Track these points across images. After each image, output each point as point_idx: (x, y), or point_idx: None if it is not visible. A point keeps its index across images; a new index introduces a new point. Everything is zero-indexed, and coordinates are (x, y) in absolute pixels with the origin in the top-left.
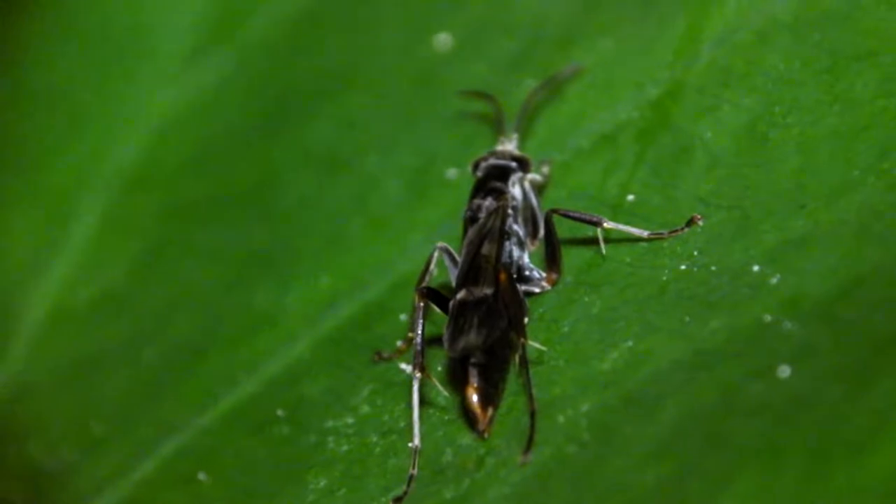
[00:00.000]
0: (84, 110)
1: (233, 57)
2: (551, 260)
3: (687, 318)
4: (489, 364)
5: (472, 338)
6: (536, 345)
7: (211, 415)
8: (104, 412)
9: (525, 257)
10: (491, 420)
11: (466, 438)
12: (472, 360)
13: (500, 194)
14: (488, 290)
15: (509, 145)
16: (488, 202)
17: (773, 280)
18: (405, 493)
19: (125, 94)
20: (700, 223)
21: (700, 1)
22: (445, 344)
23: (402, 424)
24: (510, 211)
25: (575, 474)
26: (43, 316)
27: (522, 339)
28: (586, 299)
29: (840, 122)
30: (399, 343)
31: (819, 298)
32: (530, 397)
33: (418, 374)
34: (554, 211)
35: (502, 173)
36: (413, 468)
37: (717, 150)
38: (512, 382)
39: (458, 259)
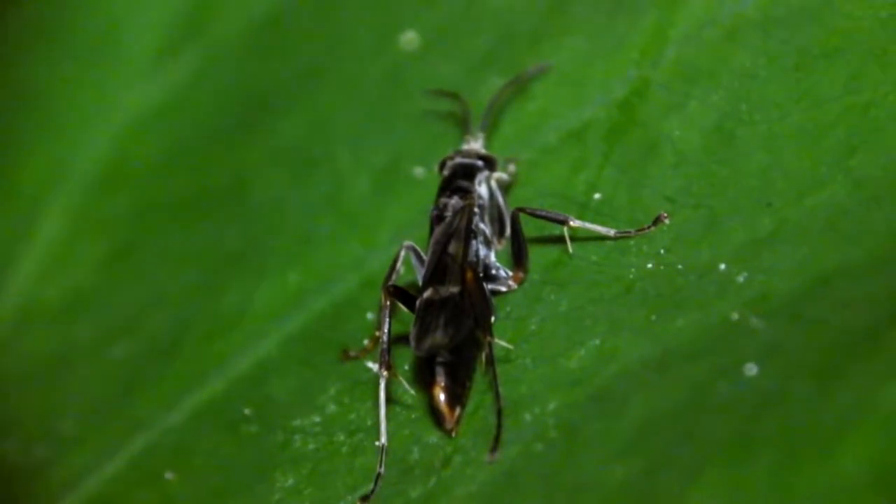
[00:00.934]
0: (53, 109)
1: (203, 56)
2: (518, 259)
3: (654, 317)
4: (456, 363)
5: (439, 337)
6: (503, 343)
7: (180, 413)
8: (74, 410)
9: (492, 256)
10: (458, 419)
11: (433, 437)
12: (439, 358)
13: (467, 193)
14: (455, 289)
15: (475, 144)
16: (455, 201)
17: (740, 278)
18: (372, 491)
19: (95, 92)
20: (667, 221)
21: None
22: (412, 343)
23: (369, 423)
24: (476, 210)
25: (543, 472)
26: (12, 313)
27: (489, 338)
28: (553, 297)
29: (807, 120)
30: (366, 341)
31: (786, 296)
32: (497, 396)
33: (385, 373)
34: (520, 209)
35: (469, 172)
36: (380, 466)
37: (684, 147)
38: (479, 381)
39: (425, 258)
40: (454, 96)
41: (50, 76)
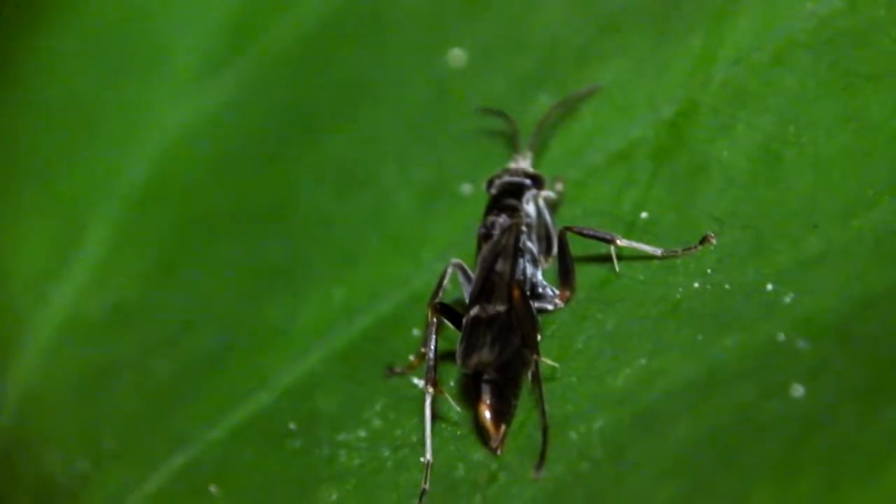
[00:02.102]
0: (100, 121)
1: (249, 70)
2: (565, 277)
3: (700, 336)
4: (502, 381)
5: (485, 354)
6: (549, 361)
7: (223, 427)
8: (116, 424)
9: (538, 274)
10: (504, 436)
11: (478, 454)
12: (485, 376)
13: (514, 211)
14: (501, 307)
15: (523, 162)
16: (502, 219)
17: (787, 299)
18: None
19: (141, 105)
20: (713, 241)
21: (716, 21)
22: (458, 360)
23: (414, 439)
24: (524, 228)
25: (587, 491)
26: (56, 327)
27: (535, 356)
28: (599, 316)
29: (854, 142)
30: (411, 358)
31: (833, 318)
32: (543, 414)
33: (431, 389)
34: (568, 228)
35: (516, 190)
36: (425, 483)
37: (732, 169)
38: (525, 399)
39: (472, 275)
40: (501, 114)
41: (96, 90)
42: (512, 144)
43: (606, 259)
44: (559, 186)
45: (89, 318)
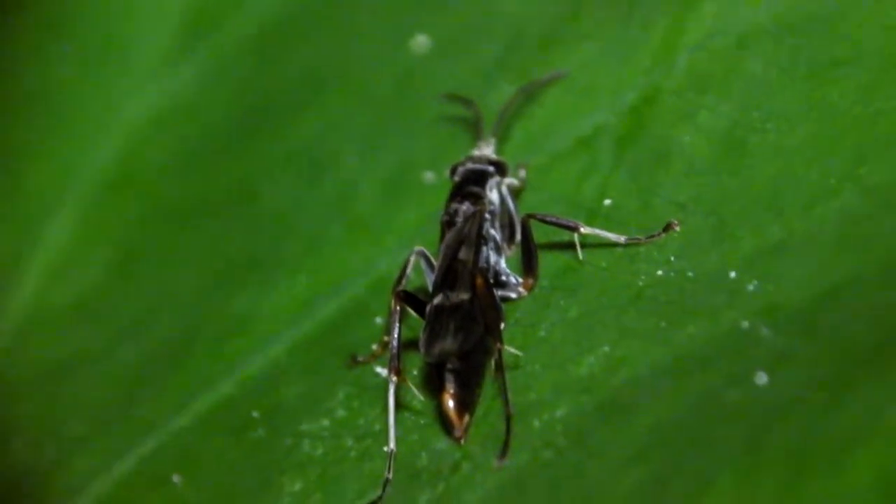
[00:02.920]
0: (62, 113)
1: (212, 60)
2: (528, 265)
3: (663, 324)
4: (465, 369)
5: (449, 343)
6: (513, 350)
7: (187, 416)
8: (82, 412)
9: (502, 262)
10: (467, 425)
11: (442, 443)
12: (449, 365)
13: (478, 199)
14: (465, 296)
15: (487, 149)
16: (465, 206)
17: (751, 286)
18: (380, 497)
19: (103, 97)
20: (677, 229)
21: (681, 6)
22: (422, 348)
23: (377, 428)
24: (487, 216)
25: (551, 479)
26: (21, 317)
27: (499, 345)
28: (563, 304)
29: (818, 129)
30: (375, 346)
31: (796, 305)
32: (506, 402)
33: (394, 378)
34: (531, 216)
35: (480, 178)
36: (388, 472)
37: (695, 155)
38: (488, 387)
39: (435, 263)
40: (465, 101)
41: (58, 81)
42: (475, 131)
43: (570, 247)
44: (522, 173)
45: (54, 307)
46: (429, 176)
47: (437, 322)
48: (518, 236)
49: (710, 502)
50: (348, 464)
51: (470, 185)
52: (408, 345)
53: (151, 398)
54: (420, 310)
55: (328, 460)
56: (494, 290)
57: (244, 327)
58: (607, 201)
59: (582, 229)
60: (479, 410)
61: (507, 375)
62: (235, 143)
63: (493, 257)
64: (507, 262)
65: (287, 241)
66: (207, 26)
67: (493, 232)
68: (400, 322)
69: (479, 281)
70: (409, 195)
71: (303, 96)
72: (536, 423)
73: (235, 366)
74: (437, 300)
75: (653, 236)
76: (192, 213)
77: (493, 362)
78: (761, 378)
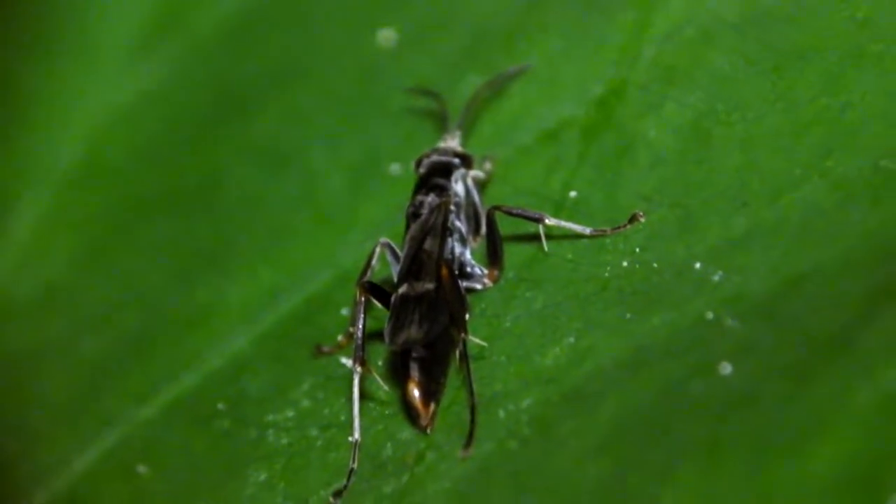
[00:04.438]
0: (26, 105)
1: (176, 54)
2: (493, 257)
3: (629, 315)
4: (430, 359)
5: (414, 332)
6: (478, 340)
7: (152, 407)
8: (45, 405)
9: (467, 254)
10: (433, 415)
11: (407, 433)
12: (414, 354)
13: (443, 191)
14: (430, 285)
15: (452, 142)
16: (431, 198)
17: (716, 277)
18: (345, 486)
19: (68, 89)
20: (642, 220)
21: None
22: (386, 338)
23: (342, 418)
24: (453, 207)
25: (516, 469)
26: None
27: (463, 335)
28: (528, 295)
29: (783, 121)
30: (340, 337)
31: (761, 296)
32: (471, 392)
33: (359, 369)
34: (496, 207)
35: (445, 170)
36: (353, 462)
37: (661, 147)
38: (453, 377)
39: (401, 255)
40: (431, 94)
41: (22, 73)
42: (441, 124)
43: (535, 238)
44: (488, 166)
45: (17, 299)
46: (394, 168)
47: (402, 311)
48: (483, 228)
49: (673, 492)
50: (313, 454)
51: (435, 177)
52: (373, 336)
53: (116, 390)
54: (385, 301)
55: (293, 451)
56: (459, 281)
57: (209, 319)
58: (573, 193)
59: (547, 220)
60: (445, 401)
61: (472, 366)
62: (200, 135)
63: (458, 249)
64: (473, 253)
65: (251, 233)
66: (173, 20)
67: (458, 223)
68: (365, 313)
69: (445, 271)
70: (374, 187)
71: (268, 89)
72: (501, 414)
73: (199, 357)
74: (402, 289)
75: (618, 228)
76: (156, 206)
77: (457, 352)
78: (725, 368)
